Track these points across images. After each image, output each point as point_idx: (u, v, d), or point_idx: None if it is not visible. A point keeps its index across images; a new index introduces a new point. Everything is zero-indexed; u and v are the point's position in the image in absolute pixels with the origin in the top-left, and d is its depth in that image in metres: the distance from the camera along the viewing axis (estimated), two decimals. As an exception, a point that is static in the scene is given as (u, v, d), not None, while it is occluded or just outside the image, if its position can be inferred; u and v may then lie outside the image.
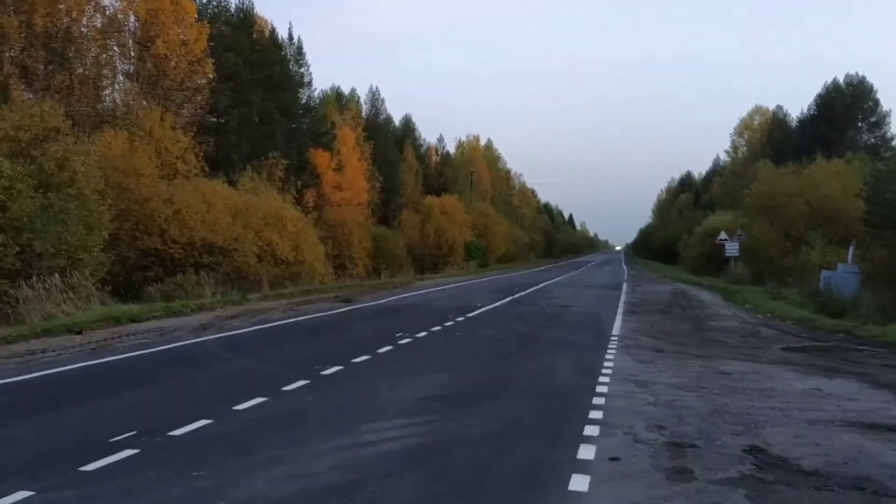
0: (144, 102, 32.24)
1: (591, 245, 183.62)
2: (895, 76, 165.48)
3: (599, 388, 8.27)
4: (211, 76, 35.29)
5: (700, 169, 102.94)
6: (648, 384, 8.67)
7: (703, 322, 16.36)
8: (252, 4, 40.30)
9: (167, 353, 11.06)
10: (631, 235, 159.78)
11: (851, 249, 24.18)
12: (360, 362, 9.84)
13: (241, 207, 28.29)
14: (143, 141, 27.60)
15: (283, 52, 43.56)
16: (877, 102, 63.08)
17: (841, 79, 64.70)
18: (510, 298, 21.94)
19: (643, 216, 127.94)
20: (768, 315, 18.03)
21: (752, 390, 8.35)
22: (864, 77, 63.80)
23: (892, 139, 62.33)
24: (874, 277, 23.88)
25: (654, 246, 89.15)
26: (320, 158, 44.20)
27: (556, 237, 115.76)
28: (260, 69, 38.63)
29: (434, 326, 14.05)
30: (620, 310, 18.73)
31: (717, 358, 10.88)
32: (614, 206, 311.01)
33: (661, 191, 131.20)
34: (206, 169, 30.70)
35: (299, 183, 38.07)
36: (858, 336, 13.87)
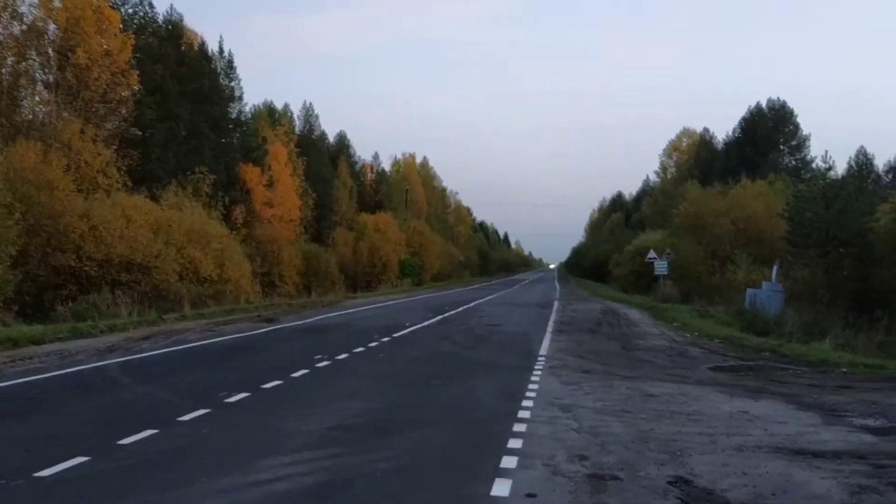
0: (65, 114, 30.88)
1: (525, 264, 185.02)
2: (815, 101, 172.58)
3: (522, 414, 7.83)
4: (136, 88, 34.08)
5: (631, 189, 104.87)
6: (573, 408, 8.29)
7: (631, 341, 16.19)
8: (181, 17, 39.19)
9: (60, 378, 10.17)
10: (565, 254, 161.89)
11: (775, 268, 24.63)
12: (271, 388, 9.18)
13: (163, 223, 27.17)
14: (59, 153, 26.21)
15: (212, 66, 42.38)
16: (797, 126, 65.40)
17: (764, 103, 66.93)
18: (440, 317, 21.47)
19: (577, 235, 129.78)
20: (696, 334, 18.02)
21: (678, 414, 8.05)
22: (784, 102, 66.18)
23: (811, 161, 64.57)
24: (798, 296, 24.33)
25: (586, 265, 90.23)
26: (250, 174, 43.07)
27: (490, 256, 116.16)
28: (188, 82, 37.44)
29: (357, 348, 13.45)
30: (550, 329, 18.47)
31: (644, 379, 10.60)
32: (549, 226, 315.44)
33: (594, 210, 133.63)
34: (129, 183, 29.50)
35: (227, 199, 36.93)
36: (783, 355, 13.87)
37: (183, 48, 38.78)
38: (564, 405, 8.47)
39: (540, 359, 12.59)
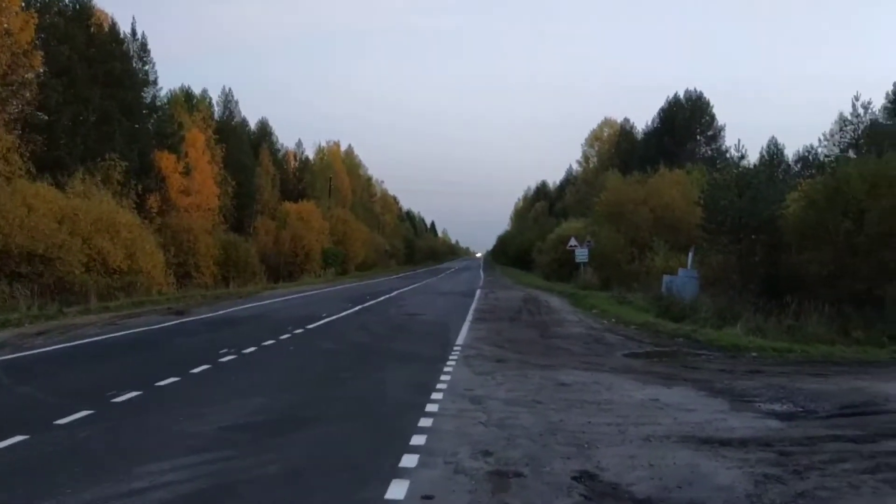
0: None
1: (452, 252, 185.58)
2: (730, 94, 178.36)
3: (430, 407, 7.53)
4: (40, 70, 32.27)
5: (555, 178, 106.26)
6: (483, 400, 8.04)
7: (549, 329, 16.14)
8: None
9: (-67, 380, 9.33)
10: (492, 242, 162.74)
11: (691, 255, 25.09)
12: (166, 386, 8.62)
13: (68, 212, 25.80)
14: (-50, 138, 24.50)
15: (124, 48, 40.43)
16: (713, 117, 67.25)
17: (682, 94, 68.56)
18: (360, 307, 21.02)
19: (503, 224, 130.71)
20: (613, 320, 18.14)
21: (589, 404, 7.89)
22: (701, 93, 67.88)
23: (726, 151, 66.46)
24: (713, 282, 24.87)
25: (510, 253, 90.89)
26: (166, 161, 41.39)
27: (417, 244, 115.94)
28: (98, 65, 35.55)
29: (267, 340, 12.92)
30: (470, 317, 18.28)
31: (559, 367, 10.46)
32: (476, 215, 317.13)
33: (519, 199, 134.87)
34: (33, 170, 27.89)
35: (140, 187, 35.38)
36: (697, 340, 14.01)
37: (92, 29, 36.82)
38: (475, 396, 8.21)
39: (456, 348, 12.35)
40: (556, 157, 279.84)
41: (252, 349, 11.83)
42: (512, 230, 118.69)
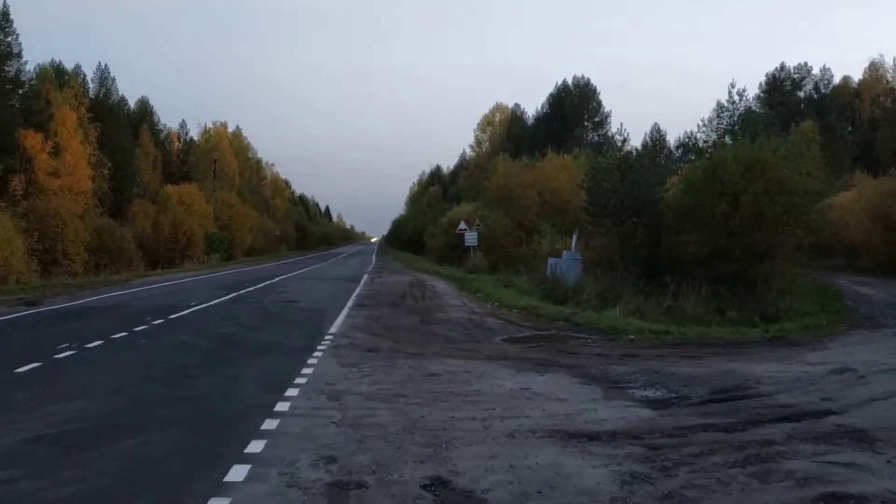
0: None
1: (347, 237, 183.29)
2: (617, 80, 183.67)
3: (280, 407, 6.77)
4: None
5: (449, 163, 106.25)
6: (343, 395, 7.34)
7: (430, 314, 15.58)
8: None
9: None
10: (387, 227, 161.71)
11: (575, 237, 25.15)
12: (-24, 389, 7.48)
13: None
14: None
15: (-20, 16, 37.04)
16: (600, 104, 68.79)
17: (570, 81, 69.69)
18: (233, 295, 19.83)
19: (399, 209, 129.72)
20: (496, 304, 17.80)
21: (456, 396, 7.33)
22: (589, 80, 69.25)
23: (612, 137, 68.11)
24: (597, 264, 25.01)
25: (404, 237, 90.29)
26: (31, 140, 38.43)
27: (309, 229, 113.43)
28: None
29: (119, 333, 11.74)
30: (350, 303, 17.50)
31: (432, 356, 9.88)
32: (372, 199, 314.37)
33: (414, 184, 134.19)
34: None
35: (0, 167, 32.58)
36: (577, 323, 13.79)
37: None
38: (335, 392, 7.50)
39: (328, 338, 11.58)
40: (452, 141, 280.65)
41: (97, 343, 10.66)
42: (406, 215, 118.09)
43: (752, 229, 18.58)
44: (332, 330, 12.50)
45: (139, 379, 8.30)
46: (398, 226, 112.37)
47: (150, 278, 30.43)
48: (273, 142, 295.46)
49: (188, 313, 15.16)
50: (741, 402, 7.06)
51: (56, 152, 40.51)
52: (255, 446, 5.47)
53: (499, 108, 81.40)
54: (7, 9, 39.36)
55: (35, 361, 9.01)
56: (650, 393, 7.66)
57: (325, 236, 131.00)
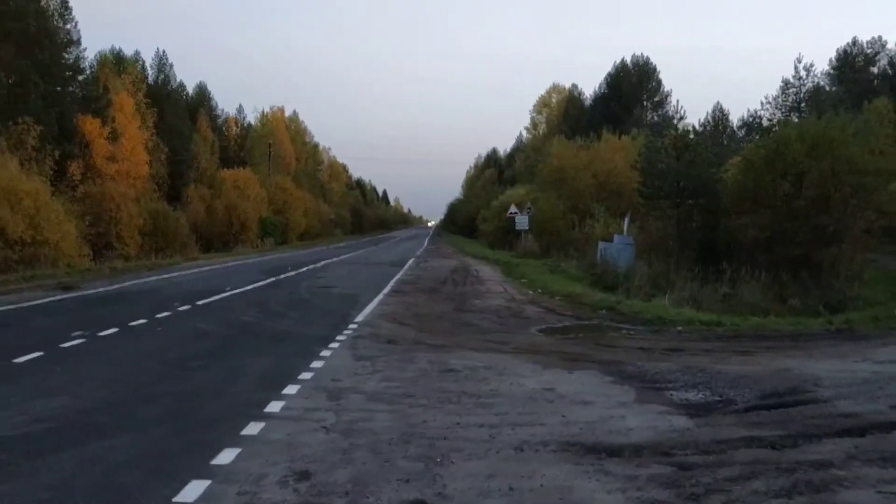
0: None
1: (404, 221, 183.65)
2: (678, 61, 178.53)
3: (272, 407, 6.14)
4: None
5: (506, 146, 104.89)
6: (345, 394, 6.67)
7: (467, 301, 14.83)
8: None
9: None
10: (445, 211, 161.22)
11: (626, 220, 24.06)
12: (-38, 381, 7.06)
13: (-39, 180, 23.66)
14: None
15: (39, 4, 37.40)
16: (660, 83, 66.40)
17: (629, 60, 67.54)
18: (271, 280, 19.45)
19: (457, 193, 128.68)
20: (539, 291, 16.93)
21: (469, 396, 6.58)
22: (648, 58, 66.99)
23: (672, 118, 65.88)
24: (650, 249, 23.89)
25: (459, 221, 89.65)
26: (90, 126, 38.82)
27: (365, 213, 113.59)
28: (9, 21, 32.72)
29: (139, 319, 11.35)
30: (387, 290, 16.89)
31: (455, 349, 9.14)
32: (431, 183, 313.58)
33: (470, 167, 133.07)
34: None
35: (57, 153, 32.93)
36: (621, 313, 12.85)
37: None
38: (337, 390, 6.84)
39: (351, 327, 10.97)
40: (510, 124, 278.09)
41: (111, 331, 10.26)
42: (462, 198, 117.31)
43: (818, 211, 17.26)
44: (359, 318, 11.88)
45: (136, 371, 7.79)
46: (453, 210, 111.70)
47: (198, 262, 30.49)
48: (331, 127, 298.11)
49: (218, 299, 14.76)
50: (794, 409, 6.11)
51: (113, 137, 40.90)
52: (226, 456, 4.83)
53: (555, 88, 79.63)
54: (66, -3, 39.76)
55: (38, 351, 8.61)
56: (690, 395, 6.77)
57: (382, 220, 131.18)
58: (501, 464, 4.74)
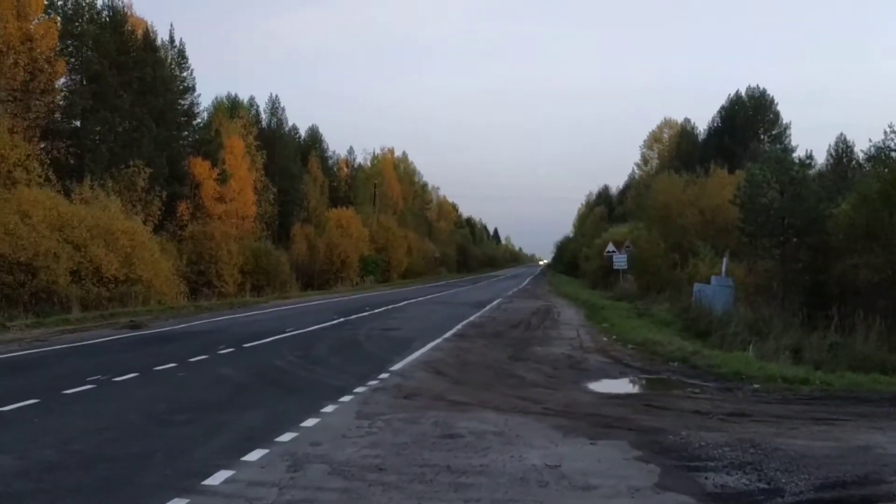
0: None
1: (514, 259, 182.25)
2: (795, 90, 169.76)
3: (213, 479, 5.29)
4: (63, 77, 31.64)
5: (618, 182, 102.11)
6: (308, 465, 5.72)
7: (528, 348, 13.62)
8: (126, 3, 36.47)
9: None
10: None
11: (725, 261, 22.12)
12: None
13: (66, 219, 24.70)
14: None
15: (158, 55, 39.52)
16: (777, 115, 62.86)
17: (743, 91, 64.45)
18: (339, 321, 18.87)
19: (569, 231, 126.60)
20: (613, 337, 15.48)
21: (450, 473, 5.49)
22: (764, 90, 63.67)
23: (794, 151, 61.93)
24: (754, 291, 21.93)
25: (565, 259, 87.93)
26: (200, 168, 40.38)
27: (471, 251, 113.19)
28: (129, 72, 34.63)
29: (169, 363, 10.91)
30: (449, 334, 15.92)
31: (476, 408, 8.04)
32: (544, 222, 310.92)
33: (581, 205, 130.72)
34: (52, 178, 27.01)
35: (164, 193, 34.24)
36: (694, 365, 11.33)
37: (125, 36, 35.87)
38: (305, 458, 5.91)
39: (381, 376, 10.07)
40: (622, 160, 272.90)
41: (130, 376, 9.81)
42: (570, 237, 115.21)
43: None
44: (396, 367, 10.96)
45: (110, 425, 7.13)
46: (561, 248, 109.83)
47: (287, 300, 30.58)
48: (442, 166, 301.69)
49: (269, 341, 14.23)
50: (857, 511, 4.68)
51: (223, 179, 42.30)
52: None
53: (667, 123, 77.06)
54: (183, 47, 41.88)
55: (36, 398, 8.19)
56: (730, 480, 5.41)
57: (490, 258, 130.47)
58: (426, 579, 3.65)
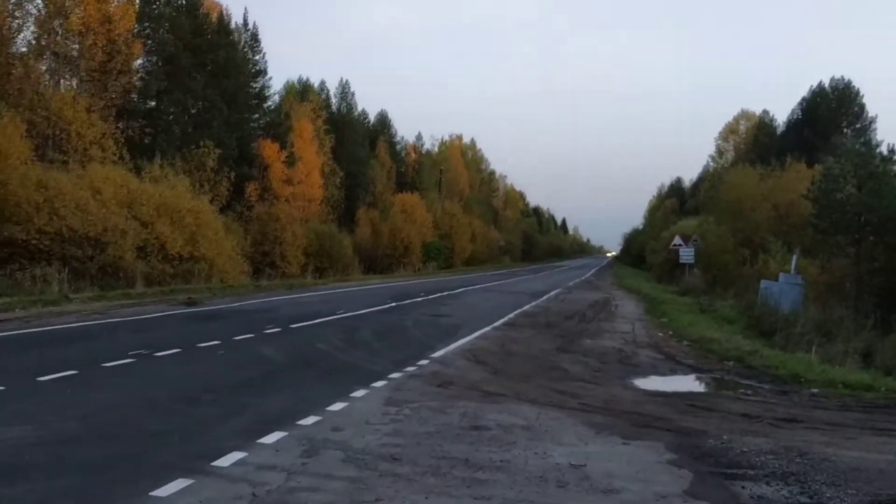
0: (62, 81, 29.63)
1: (581, 250, 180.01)
2: (884, 81, 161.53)
3: (224, 460, 5.17)
4: (139, 58, 32.55)
5: (692, 174, 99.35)
6: (324, 450, 5.55)
7: (578, 340, 13.21)
8: None
9: None
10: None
11: (795, 258, 21.15)
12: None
13: (135, 197, 25.39)
14: (16, 120, 24.06)
15: (231, 38, 40.25)
16: (863, 107, 59.97)
17: (827, 83, 61.63)
18: (391, 305, 18.77)
19: (639, 223, 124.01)
20: (670, 333, 14.91)
21: (467, 467, 5.23)
22: (849, 81, 60.78)
23: (878, 146, 59.02)
24: (826, 291, 20.95)
25: (633, 252, 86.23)
26: (269, 150, 41.03)
27: (537, 240, 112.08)
28: (203, 54, 35.42)
29: (212, 341, 10.96)
30: (499, 322, 15.61)
31: (510, 399, 7.76)
32: (614, 213, 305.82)
33: (653, 197, 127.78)
34: (125, 156, 27.92)
35: (232, 174, 34.91)
36: (749, 366, 10.75)
37: (199, 19, 36.65)
38: (321, 443, 5.74)
39: (420, 363, 9.87)
40: (696, 152, 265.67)
41: (171, 352, 9.87)
42: (639, 229, 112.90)
43: None
44: (438, 354, 10.74)
45: (135, 402, 7.12)
46: (629, 240, 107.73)
47: (347, 283, 30.76)
48: (512, 153, 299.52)
49: (317, 322, 14.21)
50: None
51: (291, 161, 42.81)
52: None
53: (744, 115, 74.41)
54: (256, 30, 42.45)
55: (74, 369, 8.29)
56: (769, 492, 4.99)
57: (556, 248, 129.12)
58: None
